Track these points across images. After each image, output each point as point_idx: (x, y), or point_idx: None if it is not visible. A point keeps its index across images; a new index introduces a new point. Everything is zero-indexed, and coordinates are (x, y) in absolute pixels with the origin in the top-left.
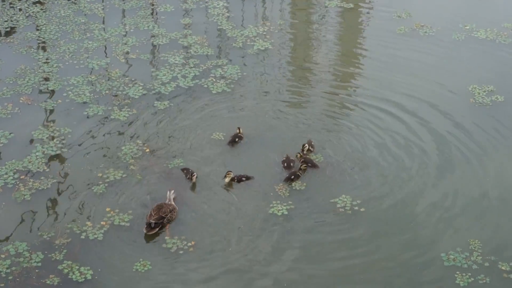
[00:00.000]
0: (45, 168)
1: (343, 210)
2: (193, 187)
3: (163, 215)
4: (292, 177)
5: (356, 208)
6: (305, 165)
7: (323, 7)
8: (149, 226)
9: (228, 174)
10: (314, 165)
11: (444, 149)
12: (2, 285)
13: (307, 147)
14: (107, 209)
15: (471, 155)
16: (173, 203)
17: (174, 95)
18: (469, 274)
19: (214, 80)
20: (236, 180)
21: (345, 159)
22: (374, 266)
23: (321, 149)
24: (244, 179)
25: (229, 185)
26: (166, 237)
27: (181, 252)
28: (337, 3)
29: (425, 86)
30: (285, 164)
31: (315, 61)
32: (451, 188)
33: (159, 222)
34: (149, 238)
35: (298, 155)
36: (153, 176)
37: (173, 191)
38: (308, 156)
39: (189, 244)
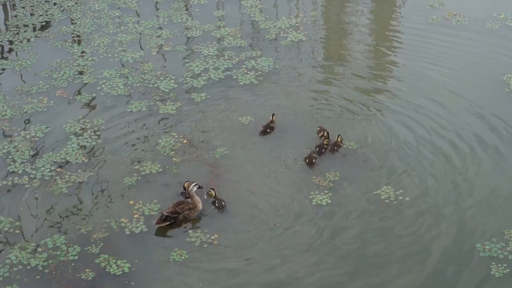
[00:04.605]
0: (84, 159)
1: (388, 201)
2: (227, 182)
3: (178, 210)
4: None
5: (401, 198)
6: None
7: None
8: (160, 218)
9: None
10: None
11: (480, 139)
12: (38, 277)
13: (324, 133)
14: (131, 202)
15: (507, 145)
16: (196, 197)
17: (206, 87)
18: (505, 265)
19: (245, 71)
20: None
21: (378, 149)
22: (410, 255)
23: (354, 139)
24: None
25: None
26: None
27: (205, 245)
28: None
29: (459, 76)
30: (307, 160)
31: (348, 52)
32: (486, 177)
33: (172, 216)
34: (181, 229)
35: (326, 142)
36: (190, 168)
37: (194, 183)
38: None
39: (213, 237)
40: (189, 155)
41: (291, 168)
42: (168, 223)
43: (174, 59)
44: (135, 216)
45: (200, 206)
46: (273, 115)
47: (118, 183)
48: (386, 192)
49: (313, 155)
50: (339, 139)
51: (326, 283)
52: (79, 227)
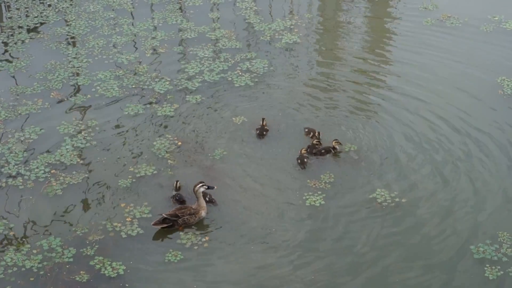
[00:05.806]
0: (78, 160)
1: (386, 204)
2: (221, 184)
3: (179, 214)
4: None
5: (397, 199)
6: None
7: (350, 0)
8: (159, 219)
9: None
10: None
11: (473, 141)
12: (33, 279)
13: (312, 133)
14: (122, 205)
15: (499, 147)
16: (201, 200)
17: (201, 89)
18: (499, 267)
19: (240, 73)
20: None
21: (374, 150)
22: (403, 256)
23: (350, 140)
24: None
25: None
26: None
27: (195, 247)
28: None
29: (453, 78)
30: (299, 161)
31: (343, 54)
32: (479, 180)
33: (171, 219)
34: (175, 231)
35: (317, 141)
36: (185, 170)
37: (201, 184)
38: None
39: (204, 239)
40: (184, 157)
41: (286, 170)
42: (166, 225)
43: (169, 61)
44: (127, 219)
45: (203, 213)
46: (262, 119)
47: (113, 185)
48: (381, 195)
49: (305, 155)
50: (333, 143)
51: (321, 283)
52: (75, 229)
